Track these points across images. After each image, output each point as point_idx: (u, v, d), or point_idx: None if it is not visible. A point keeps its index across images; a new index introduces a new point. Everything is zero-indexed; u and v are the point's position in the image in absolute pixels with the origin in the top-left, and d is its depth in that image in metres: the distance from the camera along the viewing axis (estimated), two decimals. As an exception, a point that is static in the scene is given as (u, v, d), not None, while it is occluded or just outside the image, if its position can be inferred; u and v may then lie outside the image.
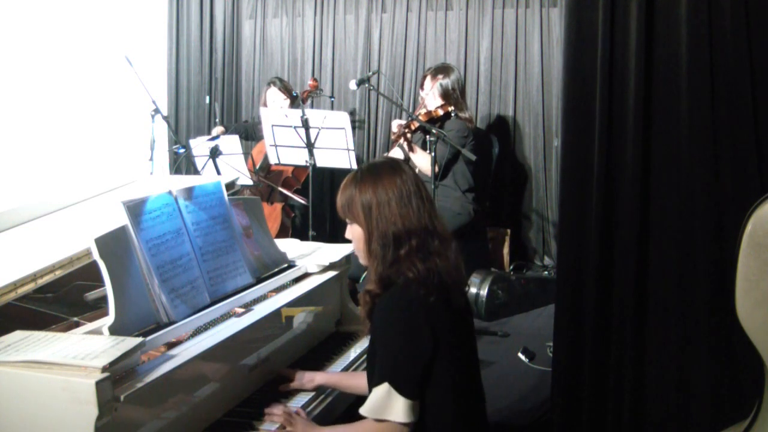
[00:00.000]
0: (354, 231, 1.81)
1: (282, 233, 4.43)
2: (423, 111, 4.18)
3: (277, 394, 1.97)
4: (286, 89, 4.76)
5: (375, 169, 1.81)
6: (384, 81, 5.46)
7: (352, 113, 5.61)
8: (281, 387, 2.02)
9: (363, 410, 1.69)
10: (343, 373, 2.16)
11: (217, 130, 4.92)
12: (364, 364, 2.22)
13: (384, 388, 1.66)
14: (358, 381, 2.01)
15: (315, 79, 4.89)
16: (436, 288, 1.70)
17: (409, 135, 3.98)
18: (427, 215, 1.77)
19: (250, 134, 5.02)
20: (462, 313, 1.81)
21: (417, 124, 3.96)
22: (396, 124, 4.08)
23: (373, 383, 1.70)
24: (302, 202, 4.17)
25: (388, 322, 1.71)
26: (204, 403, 1.76)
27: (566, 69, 2.44)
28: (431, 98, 4.20)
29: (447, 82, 4.19)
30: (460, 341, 1.77)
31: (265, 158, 4.41)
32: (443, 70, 4.26)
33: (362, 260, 1.83)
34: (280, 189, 4.37)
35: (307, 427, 1.80)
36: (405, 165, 1.83)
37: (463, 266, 1.81)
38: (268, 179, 4.46)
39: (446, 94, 4.18)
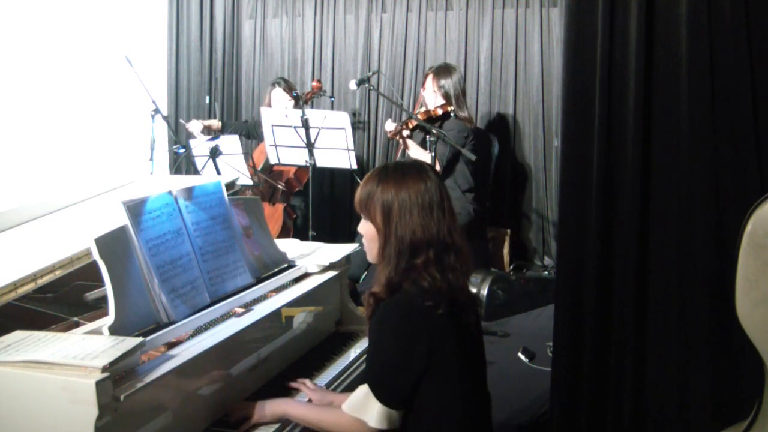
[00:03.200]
0: (367, 228, 1.76)
1: (283, 234, 4.43)
2: (422, 110, 4.18)
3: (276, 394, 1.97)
4: (290, 89, 4.76)
5: (401, 170, 1.75)
6: (384, 81, 5.46)
7: (355, 114, 5.61)
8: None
9: (344, 406, 1.71)
10: None
11: (215, 123, 4.95)
12: (362, 368, 2.23)
13: (364, 389, 1.68)
14: None
15: (319, 81, 4.89)
16: (447, 301, 1.67)
17: (405, 133, 3.98)
18: (446, 228, 1.71)
19: (251, 133, 5.02)
20: (470, 326, 1.78)
21: (415, 123, 3.96)
22: (390, 124, 4.08)
23: (361, 381, 1.71)
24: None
25: (384, 327, 1.69)
26: (204, 403, 1.76)
27: (566, 69, 2.44)
28: (432, 97, 4.20)
29: (449, 82, 4.19)
30: (463, 355, 1.73)
31: (268, 159, 4.41)
32: (445, 70, 4.26)
33: (370, 257, 1.80)
34: (282, 186, 4.38)
35: (275, 404, 1.82)
36: (432, 171, 1.77)
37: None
38: (270, 180, 4.46)
39: (447, 95, 4.18)
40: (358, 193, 1.78)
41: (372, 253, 1.78)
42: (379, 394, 1.66)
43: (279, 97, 4.73)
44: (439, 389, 1.68)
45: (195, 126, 4.73)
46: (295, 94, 4.63)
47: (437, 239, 1.70)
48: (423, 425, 1.70)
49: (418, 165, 1.80)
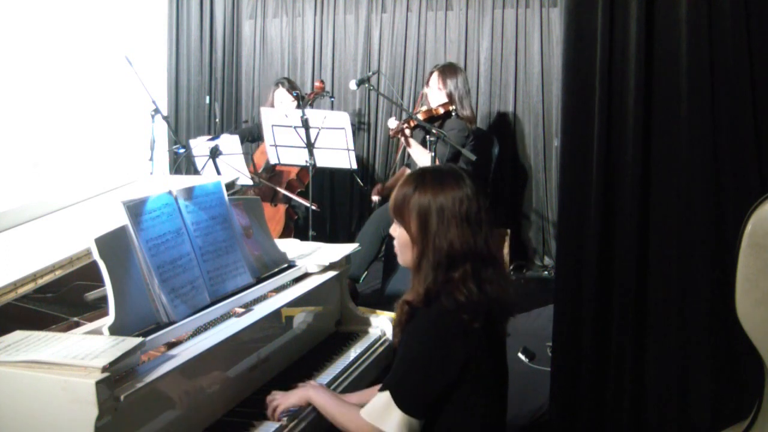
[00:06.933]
0: (401, 233, 1.72)
1: (285, 234, 4.42)
2: (424, 108, 4.17)
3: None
4: (293, 89, 4.73)
5: (439, 177, 1.70)
6: (384, 81, 5.46)
7: (359, 113, 5.60)
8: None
9: (362, 412, 1.69)
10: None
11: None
12: (362, 368, 2.23)
13: (385, 396, 1.64)
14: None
15: (322, 81, 4.86)
16: (483, 315, 1.64)
17: (407, 131, 3.97)
18: (484, 239, 1.67)
19: (255, 136, 4.96)
20: (501, 336, 1.77)
21: (415, 123, 3.96)
22: (393, 122, 4.08)
23: (380, 388, 1.68)
24: (306, 204, 4.15)
25: (418, 337, 1.66)
26: (204, 403, 1.76)
27: (566, 69, 2.44)
28: (435, 96, 4.19)
29: (453, 82, 4.18)
30: (493, 367, 1.72)
31: (269, 160, 4.40)
32: (451, 69, 4.25)
33: (402, 261, 1.77)
34: (284, 192, 4.36)
35: (304, 388, 1.85)
36: (469, 179, 1.71)
37: (512, 292, 1.75)
38: (272, 181, 4.44)
39: (450, 94, 4.17)
40: (393, 199, 1.73)
41: (404, 258, 1.75)
42: (402, 402, 1.62)
43: (282, 97, 4.71)
44: (468, 399, 1.66)
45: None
46: (296, 94, 4.61)
47: (475, 251, 1.66)
48: None
49: (455, 171, 1.73)
